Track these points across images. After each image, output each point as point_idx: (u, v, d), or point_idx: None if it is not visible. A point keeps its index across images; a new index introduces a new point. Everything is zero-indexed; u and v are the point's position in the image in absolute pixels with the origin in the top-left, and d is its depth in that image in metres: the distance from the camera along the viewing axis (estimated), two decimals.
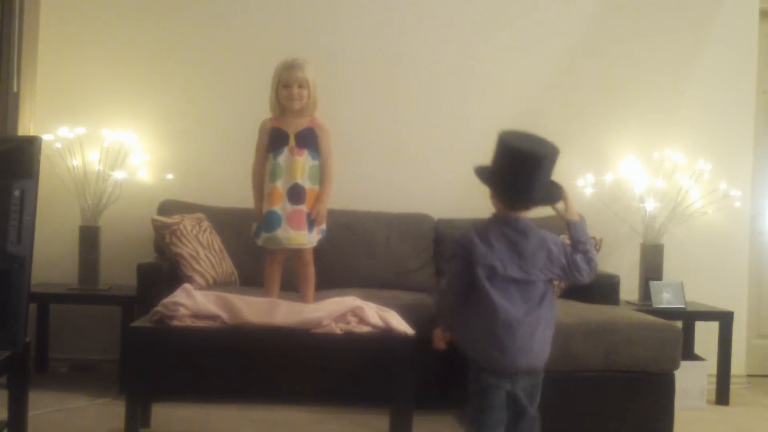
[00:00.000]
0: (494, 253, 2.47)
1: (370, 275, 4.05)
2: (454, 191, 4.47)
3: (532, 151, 2.55)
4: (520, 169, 2.52)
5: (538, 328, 2.51)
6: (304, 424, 3.41)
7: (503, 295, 2.44)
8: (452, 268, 2.53)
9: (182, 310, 2.99)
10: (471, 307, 2.48)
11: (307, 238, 3.37)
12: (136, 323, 3.11)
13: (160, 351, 3.35)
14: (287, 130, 3.39)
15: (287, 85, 3.36)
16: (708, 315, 4.18)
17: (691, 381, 3.88)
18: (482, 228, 2.55)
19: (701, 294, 4.37)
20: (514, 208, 2.56)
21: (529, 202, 2.55)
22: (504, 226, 2.53)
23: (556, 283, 3.99)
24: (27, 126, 4.11)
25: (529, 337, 2.48)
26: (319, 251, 3.52)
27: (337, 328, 3.00)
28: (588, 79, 4.54)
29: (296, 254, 3.43)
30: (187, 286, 3.18)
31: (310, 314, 3.04)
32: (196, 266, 3.78)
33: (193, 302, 3.03)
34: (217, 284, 3.79)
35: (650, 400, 3.21)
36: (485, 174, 2.59)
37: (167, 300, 3.05)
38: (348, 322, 3.05)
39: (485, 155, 4.52)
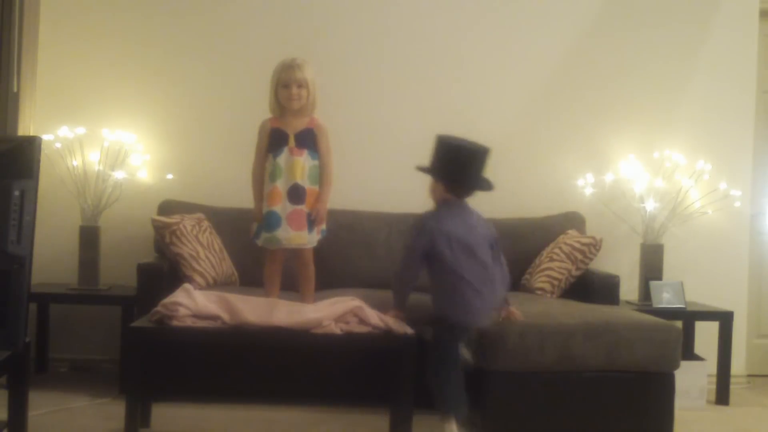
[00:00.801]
0: (453, 228, 3.04)
1: (370, 275, 4.05)
2: None
3: (474, 149, 3.10)
4: (467, 163, 3.08)
5: (496, 286, 3.10)
6: (304, 424, 3.41)
7: (466, 261, 3.00)
8: (417, 248, 3.03)
9: (182, 310, 2.99)
10: (439, 276, 3.03)
11: (308, 238, 3.37)
12: (136, 323, 3.11)
13: (160, 351, 3.36)
14: (287, 131, 3.39)
15: (287, 86, 3.36)
16: (708, 315, 4.18)
17: (691, 381, 3.88)
18: (437, 213, 3.11)
19: (701, 294, 4.37)
20: (462, 195, 3.14)
21: (472, 189, 3.14)
22: (454, 208, 3.11)
23: (555, 283, 4.02)
24: (27, 126, 4.11)
25: (491, 295, 3.07)
26: (319, 251, 3.52)
27: (337, 329, 3.00)
28: (588, 79, 4.54)
29: (296, 254, 3.43)
30: (186, 286, 3.18)
31: (309, 315, 3.04)
32: (196, 266, 3.78)
33: (193, 302, 3.03)
34: (217, 284, 3.79)
35: (650, 400, 3.21)
36: (434, 170, 3.11)
37: (167, 300, 3.05)
38: (348, 322, 3.05)
39: None
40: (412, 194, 4.14)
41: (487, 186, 3.11)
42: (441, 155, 3.10)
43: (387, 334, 3.05)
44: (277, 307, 3.08)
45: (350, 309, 3.07)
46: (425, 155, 4.45)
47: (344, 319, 3.05)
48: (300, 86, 3.36)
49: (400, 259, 3.15)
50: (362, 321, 3.06)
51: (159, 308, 3.03)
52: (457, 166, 3.07)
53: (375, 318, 3.06)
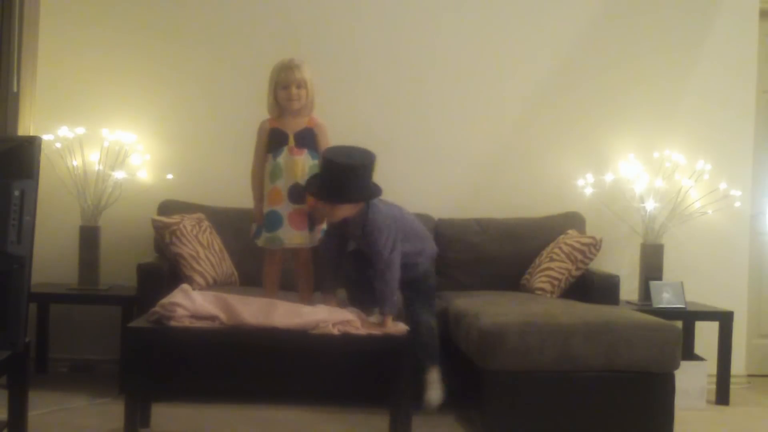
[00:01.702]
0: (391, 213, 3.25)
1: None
2: (454, 191, 4.49)
3: (363, 161, 3.12)
4: (366, 176, 3.12)
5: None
6: (304, 424, 3.41)
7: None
8: (396, 254, 3.14)
9: (180, 311, 2.98)
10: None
11: (308, 238, 3.37)
12: (135, 323, 3.10)
13: (160, 351, 3.36)
14: (286, 131, 3.39)
15: (286, 86, 3.35)
16: (708, 315, 4.18)
17: (691, 381, 3.88)
18: (389, 211, 3.24)
19: (701, 294, 4.37)
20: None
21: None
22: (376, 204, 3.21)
23: (555, 283, 4.02)
24: (27, 126, 4.11)
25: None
26: (317, 251, 3.52)
27: (335, 330, 2.99)
28: (588, 79, 4.54)
29: (296, 254, 3.43)
30: (185, 286, 3.17)
31: (307, 317, 3.04)
32: (196, 266, 3.78)
33: (191, 303, 3.03)
34: (217, 284, 3.79)
35: (650, 400, 3.21)
36: (352, 194, 3.10)
37: (165, 300, 3.04)
38: (345, 325, 3.04)
39: (485, 155, 4.57)
40: (413, 194, 4.16)
41: (377, 192, 3.16)
42: (350, 177, 3.06)
43: (386, 334, 3.05)
44: (276, 307, 3.07)
45: (347, 320, 3.05)
46: (425, 155, 4.48)
47: (341, 323, 3.04)
48: (299, 87, 3.36)
49: (384, 271, 3.12)
50: (357, 330, 3.06)
51: (157, 308, 3.02)
52: (363, 181, 3.10)
53: (367, 329, 3.07)
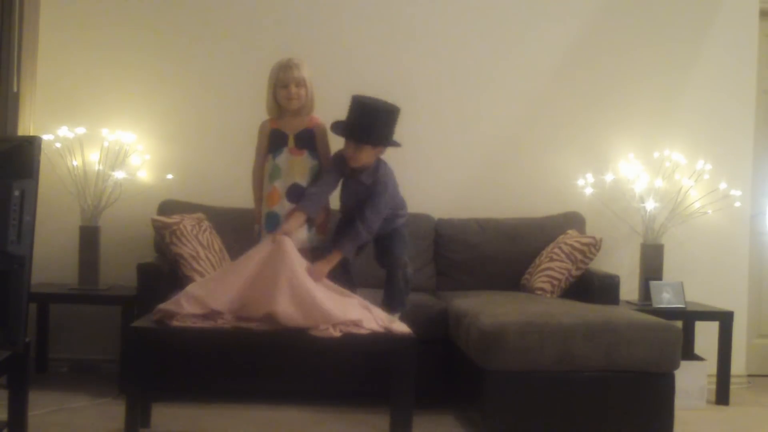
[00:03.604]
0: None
1: (370, 275, 4.04)
2: (454, 191, 4.48)
3: (392, 108, 3.33)
4: (391, 123, 3.35)
5: None
6: (304, 424, 3.41)
7: None
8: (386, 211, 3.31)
9: (186, 307, 3.00)
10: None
11: (307, 238, 3.37)
12: (136, 323, 3.11)
13: (160, 351, 3.36)
14: (286, 131, 3.39)
15: (285, 86, 3.36)
16: (708, 315, 4.18)
17: (691, 381, 3.88)
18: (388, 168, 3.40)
19: (701, 294, 4.37)
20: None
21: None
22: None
23: (555, 283, 4.02)
24: (27, 126, 4.11)
25: None
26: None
27: (336, 331, 2.99)
28: (588, 78, 4.54)
29: None
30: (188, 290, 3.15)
31: (309, 307, 3.01)
32: (196, 266, 3.78)
33: (197, 304, 3.04)
34: None
35: (650, 400, 3.21)
36: (381, 138, 3.28)
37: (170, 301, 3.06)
38: (347, 325, 3.04)
39: (485, 155, 4.57)
40: (413, 194, 4.15)
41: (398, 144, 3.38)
42: (380, 119, 3.25)
43: (387, 334, 3.05)
44: (282, 291, 3.02)
45: (350, 321, 3.05)
46: (425, 155, 4.48)
47: (343, 325, 3.04)
48: (298, 85, 3.36)
49: (372, 219, 3.28)
50: (360, 326, 3.06)
51: (162, 306, 3.04)
52: (390, 128, 3.31)
53: (373, 324, 3.07)
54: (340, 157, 3.34)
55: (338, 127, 3.27)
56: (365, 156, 3.27)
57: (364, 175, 3.32)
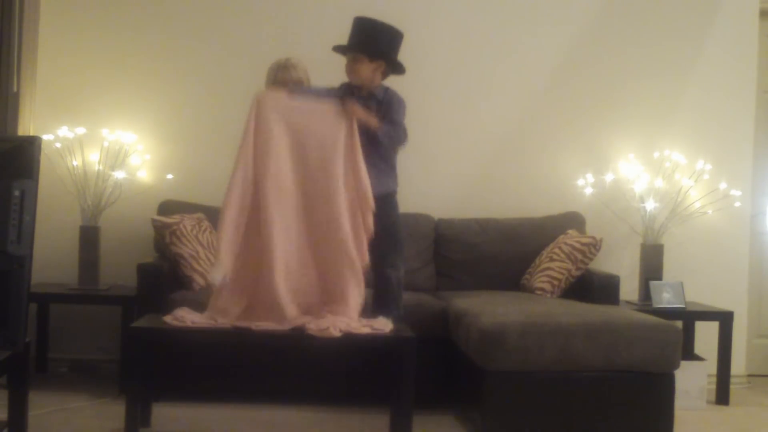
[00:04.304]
0: None
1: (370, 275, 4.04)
2: (454, 191, 4.48)
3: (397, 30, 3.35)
4: (398, 45, 3.39)
5: None
6: (304, 424, 3.41)
7: None
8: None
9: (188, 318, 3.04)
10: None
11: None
12: (136, 323, 3.11)
13: (160, 351, 3.36)
14: None
15: (283, 86, 3.36)
16: (708, 315, 4.18)
17: (691, 381, 3.88)
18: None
19: (701, 294, 4.37)
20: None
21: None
22: None
23: (555, 283, 4.01)
24: (27, 126, 4.11)
25: None
26: None
27: (336, 331, 2.99)
28: (588, 78, 4.54)
29: None
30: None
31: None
32: (196, 266, 3.78)
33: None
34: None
35: (650, 400, 3.21)
36: (385, 54, 3.30)
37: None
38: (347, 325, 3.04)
39: (485, 155, 4.56)
40: (413, 194, 4.16)
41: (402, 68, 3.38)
42: (377, 32, 3.27)
43: (387, 334, 3.05)
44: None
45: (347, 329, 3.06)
46: (425, 155, 4.47)
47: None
48: (296, 85, 3.36)
49: (395, 134, 3.31)
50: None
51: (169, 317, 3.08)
52: (395, 48, 3.33)
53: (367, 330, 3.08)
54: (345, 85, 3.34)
55: (339, 47, 3.31)
56: (363, 70, 3.26)
57: (368, 99, 3.31)
